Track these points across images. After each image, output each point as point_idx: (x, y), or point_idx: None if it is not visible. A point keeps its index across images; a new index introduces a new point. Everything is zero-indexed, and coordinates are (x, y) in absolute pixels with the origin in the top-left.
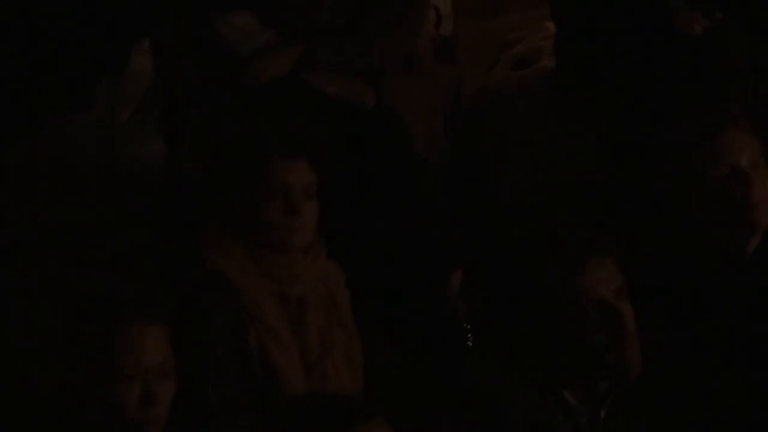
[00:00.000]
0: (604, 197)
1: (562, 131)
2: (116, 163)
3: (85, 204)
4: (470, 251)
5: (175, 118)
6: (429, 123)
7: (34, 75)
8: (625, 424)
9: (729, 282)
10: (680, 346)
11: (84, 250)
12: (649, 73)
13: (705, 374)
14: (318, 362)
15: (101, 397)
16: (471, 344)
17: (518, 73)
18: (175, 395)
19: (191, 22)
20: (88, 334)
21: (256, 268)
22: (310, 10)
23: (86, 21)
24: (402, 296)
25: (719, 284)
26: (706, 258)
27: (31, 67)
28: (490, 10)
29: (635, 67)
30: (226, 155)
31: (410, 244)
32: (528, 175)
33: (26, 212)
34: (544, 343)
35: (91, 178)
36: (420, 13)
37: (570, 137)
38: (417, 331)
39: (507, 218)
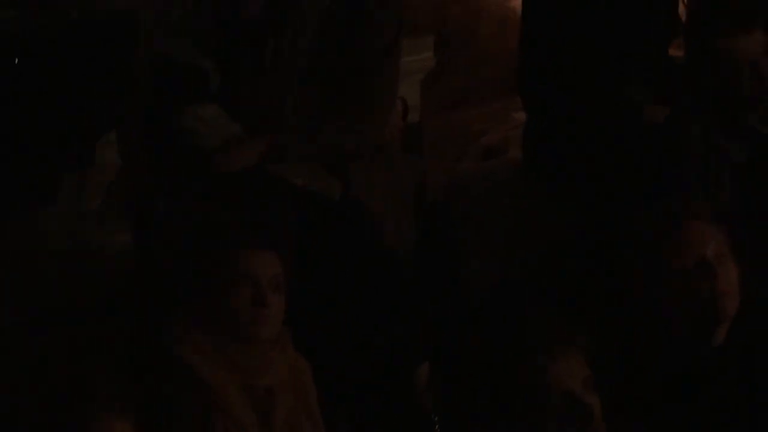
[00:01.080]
0: (571, 286)
1: (530, 221)
2: (84, 253)
3: (52, 293)
4: (438, 341)
5: (142, 207)
6: (396, 213)
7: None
8: None
9: (694, 372)
10: None
11: (52, 339)
12: (616, 165)
13: None
14: None
15: None
16: None
17: (486, 163)
18: None
19: (158, 113)
20: (58, 423)
21: (223, 358)
22: (276, 105)
23: (52, 116)
24: (369, 388)
25: (686, 374)
26: (672, 349)
27: None
28: (456, 101)
29: (603, 159)
30: (193, 245)
31: (378, 335)
32: (495, 264)
33: None
34: None
35: (58, 268)
36: (386, 105)
37: (538, 227)
38: (384, 423)
39: (474, 308)
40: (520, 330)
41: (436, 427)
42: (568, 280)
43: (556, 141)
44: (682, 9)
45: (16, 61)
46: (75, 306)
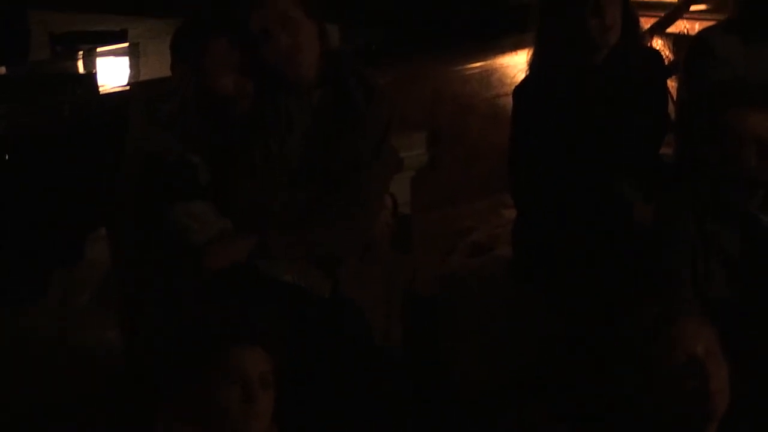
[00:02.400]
0: (560, 384)
1: (519, 318)
2: (72, 349)
3: (40, 389)
4: None
5: (131, 304)
6: (386, 310)
7: None
8: None
9: None
10: None
11: None
12: (606, 262)
13: None
14: None
15: None
16: None
17: (475, 260)
18: None
19: (147, 209)
20: None
21: None
22: (266, 203)
23: (42, 212)
24: None
25: None
26: None
27: None
28: (445, 199)
29: (593, 257)
30: (183, 342)
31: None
32: (484, 360)
33: None
34: None
35: (47, 364)
36: (376, 203)
37: (527, 324)
38: None
39: (463, 405)
40: (509, 428)
41: None
42: (556, 381)
43: (546, 239)
44: (671, 107)
45: (6, 156)
46: (62, 403)
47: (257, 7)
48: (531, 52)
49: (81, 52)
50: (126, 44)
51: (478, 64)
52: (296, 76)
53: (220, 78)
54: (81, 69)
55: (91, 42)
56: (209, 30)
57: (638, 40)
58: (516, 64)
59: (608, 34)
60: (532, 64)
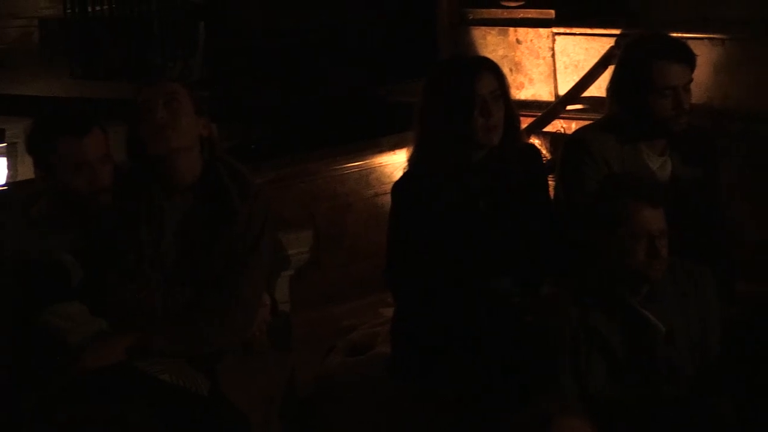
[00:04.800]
0: None
1: (399, 418)
2: None
3: None
4: None
5: (6, 407)
6: (264, 408)
7: None
8: None
9: None
10: None
11: None
12: (484, 361)
13: None
14: None
15: None
16: None
17: (353, 359)
18: None
19: (21, 313)
20: None
21: None
22: (142, 301)
23: None
24: None
25: None
26: None
27: None
28: (325, 297)
29: (471, 355)
30: None
31: None
32: None
33: None
34: None
35: None
36: (253, 300)
37: (407, 423)
38: None
39: None
40: None
41: None
42: None
43: (425, 336)
44: None
45: None
46: None
47: (149, 84)
48: (412, 149)
49: None
50: (4, 144)
51: (356, 163)
52: (163, 151)
53: (72, 176)
54: None
55: None
56: (56, 130)
57: (518, 138)
58: (394, 162)
59: (493, 134)
60: (413, 161)
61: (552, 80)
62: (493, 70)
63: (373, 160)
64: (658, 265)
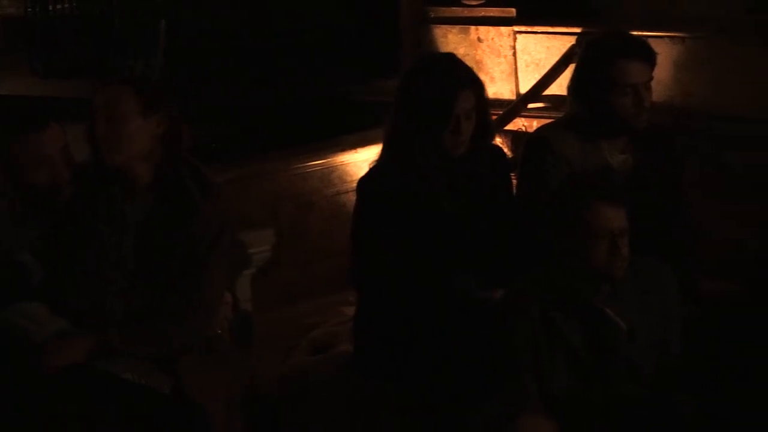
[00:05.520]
0: None
1: (362, 415)
2: None
3: None
4: None
5: None
6: (226, 407)
7: None
8: None
9: None
10: None
11: None
12: (450, 356)
13: None
14: None
15: None
16: None
17: (315, 358)
18: None
19: None
20: None
21: None
22: (104, 300)
23: None
24: None
25: None
26: None
27: None
28: (287, 296)
29: (432, 352)
30: None
31: None
32: None
33: None
34: None
35: None
36: (214, 298)
37: (370, 420)
38: None
39: None
40: None
41: None
42: None
43: (388, 333)
44: None
45: None
46: None
47: (99, 88)
48: (382, 146)
49: None
50: None
51: (318, 162)
52: (113, 164)
53: (32, 172)
54: None
55: None
56: (13, 129)
57: (487, 140)
58: (356, 161)
59: (460, 148)
60: (381, 158)
61: (513, 78)
62: (473, 85)
63: (336, 158)
64: (619, 264)
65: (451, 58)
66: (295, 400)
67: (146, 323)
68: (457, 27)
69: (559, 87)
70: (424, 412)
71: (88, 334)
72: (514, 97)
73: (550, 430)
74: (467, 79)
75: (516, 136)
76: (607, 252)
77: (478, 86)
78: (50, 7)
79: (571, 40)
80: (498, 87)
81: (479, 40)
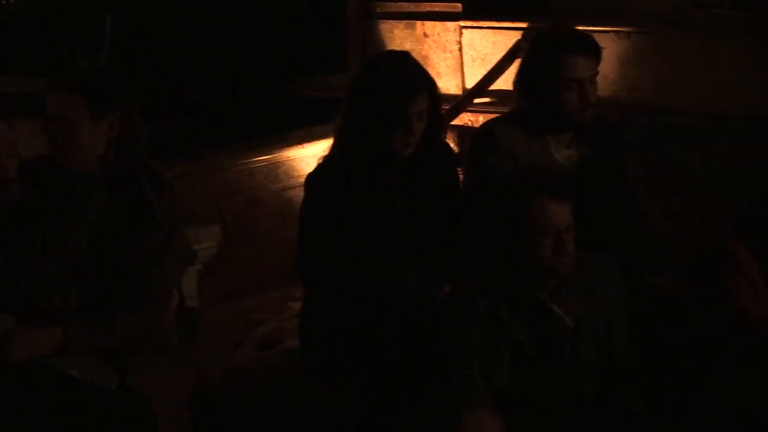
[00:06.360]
0: None
1: (308, 409)
2: None
3: None
4: None
5: None
6: (173, 403)
7: None
8: None
9: None
10: None
11: None
12: (396, 351)
13: None
14: None
15: None
16: None
17: (262, 353)
18: None
19: None
20: None
21: None
22: (55, 296)
23: None
24: None
25: None
26: None
27: None
28: (233, 292)
29: (379, 346)
30: None
31: None
32: None
33: None
34: None
35: None
36: (165, 298)
37: (316, 415)
38: None
39: None
40: None
41: None
42: None
43: (335, 327)
44: None
45: None
46: None
47: (48, 91)
48: (331, 144)
49: None
50: None
51: (264, 157)
52: (68, 166)
53: None
54: None
55: None
56: None
57: (437, 139)
58: (302, 156)
59: (409, 148)
60: (331, 154)
61: (459, 74)
62: (428, 87)
63: (281, 154)
64: (565, 259)
65: (406, 57)
66: (241, 395)
67: (97, 315)
68: (404, 22)
69: (505, 82)
70: (371, 407)
71: (39, 330)
72: (460, 93)
73: (497, 426)
74: (422, 82)
75: (462, 132)
76: (553, 248)
77: (432, 87)
78: None
79: (517, 35)
80: (444, 82)
81: (425, 35)
